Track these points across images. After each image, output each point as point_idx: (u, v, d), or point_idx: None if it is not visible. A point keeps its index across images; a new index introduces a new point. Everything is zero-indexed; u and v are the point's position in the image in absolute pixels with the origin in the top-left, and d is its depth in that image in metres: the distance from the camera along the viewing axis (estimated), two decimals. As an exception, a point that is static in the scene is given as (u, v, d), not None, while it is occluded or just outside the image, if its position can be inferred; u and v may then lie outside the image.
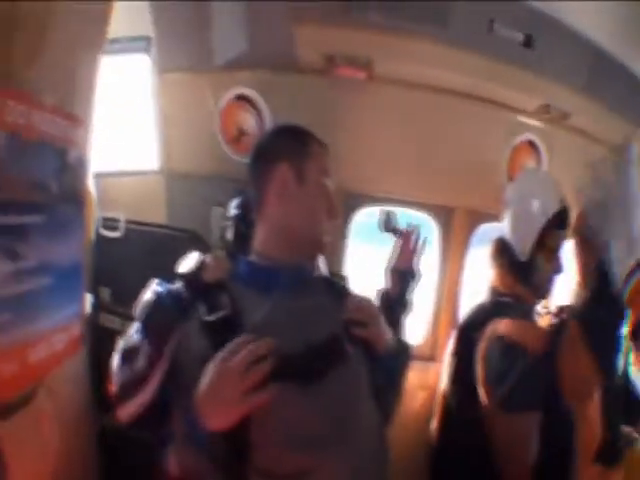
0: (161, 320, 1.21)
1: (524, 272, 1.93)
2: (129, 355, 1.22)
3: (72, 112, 1.32)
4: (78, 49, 1.33)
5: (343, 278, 1.56)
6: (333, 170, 1.41)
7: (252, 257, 1.38)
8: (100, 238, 1.99)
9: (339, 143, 1.59)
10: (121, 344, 1.26)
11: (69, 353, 1.31)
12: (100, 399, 1.52)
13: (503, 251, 1.98)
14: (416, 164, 2.53)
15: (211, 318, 1.21)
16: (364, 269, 2.81)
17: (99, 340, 1.51)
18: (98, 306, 1.99)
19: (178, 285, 1.26)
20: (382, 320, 1.38)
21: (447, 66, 2.33)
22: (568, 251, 1.93)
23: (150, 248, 2.15)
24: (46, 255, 1.22)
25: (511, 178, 2.58)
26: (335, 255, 2.44)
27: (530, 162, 2.64)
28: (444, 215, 2.68)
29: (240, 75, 2.36)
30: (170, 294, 1.25)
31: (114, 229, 2.09)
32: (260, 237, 1.38)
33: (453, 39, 2.24)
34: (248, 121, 2.40)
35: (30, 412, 1.12)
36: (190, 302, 1.24)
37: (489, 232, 2.45)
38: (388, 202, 2.58)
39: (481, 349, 1.79)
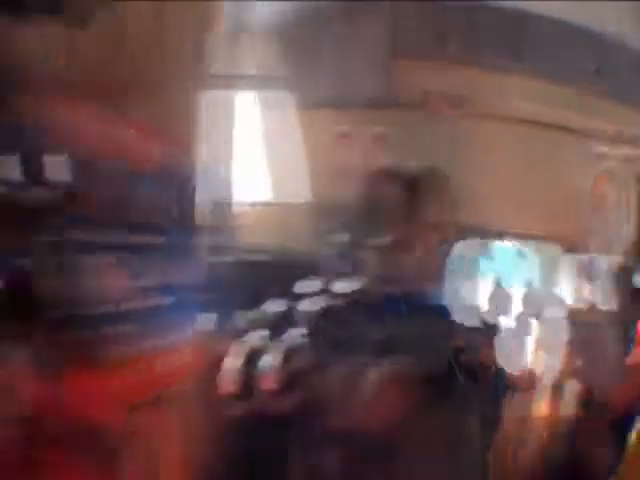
0: None
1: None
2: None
3: (188, 146, 1.42)
4: (192, 90, 1.44)
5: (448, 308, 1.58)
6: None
7: None
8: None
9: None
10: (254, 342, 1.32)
11: (193, 368, 1.37)
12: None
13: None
14: (511, 196, 2.50)
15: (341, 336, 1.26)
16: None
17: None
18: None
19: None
20: (490, 349, 1.39)
21: (529, 97, 2.34)
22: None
23: (272, 273, 2.22)
24: (167, 275, 1.30)
25: (595, 207, 2.52)
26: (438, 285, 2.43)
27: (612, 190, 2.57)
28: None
29: (371, 113, 2.42)
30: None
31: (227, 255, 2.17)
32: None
33: (532, 71, 2.28)
34: (378, 158, 2.45)
35: (154, 418, 1.17)
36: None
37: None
38: (486, 234, 2.57)
39: None
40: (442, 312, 1.50)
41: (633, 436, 1.38)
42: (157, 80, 1.24)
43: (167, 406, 1.20)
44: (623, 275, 2.05)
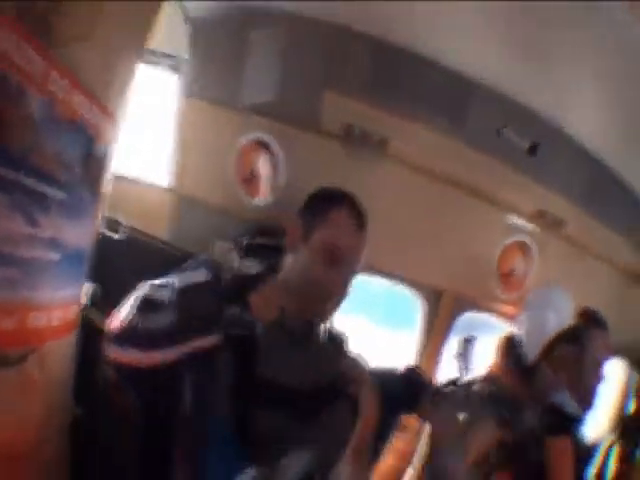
0: (206, 307, 1.26)
1: (526, 374, 2.04)
2: (153, 306, 1.24)
3: (106, 105, 1.38)
4: (121, 46, 1.39)
5: (344, 336, 1.60)
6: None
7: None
8: (101, 237, 2.00)
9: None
10: (147, 289, 1.27)
11: (64, 332, 1.31)
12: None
13: (511, 348, 2.12)
14: (414, 243, 2.65)
15: (236, 332, 1.25)
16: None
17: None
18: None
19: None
20: (369, 385, 1.44)
21: (455, 160, 2.52)
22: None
23: (147, 259, 2.17)
24: (59, 232, 1.24)
25: (501, 273, 2.75)
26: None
27: (520, 262, 2.79)
28: (432, 296, 2.74)
29: (263, 121, 2.45)
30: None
31: (115, 231, 2.11)
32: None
33: (465, 136, 2.47)
34: (263, 166, 2.47)
35: (18, 374, 1.11)
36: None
37: (473, 322, 2.71)
38: (381, 274, 2.67)
39: None
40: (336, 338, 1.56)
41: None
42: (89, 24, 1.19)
43: (33, 368, 1.15)
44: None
